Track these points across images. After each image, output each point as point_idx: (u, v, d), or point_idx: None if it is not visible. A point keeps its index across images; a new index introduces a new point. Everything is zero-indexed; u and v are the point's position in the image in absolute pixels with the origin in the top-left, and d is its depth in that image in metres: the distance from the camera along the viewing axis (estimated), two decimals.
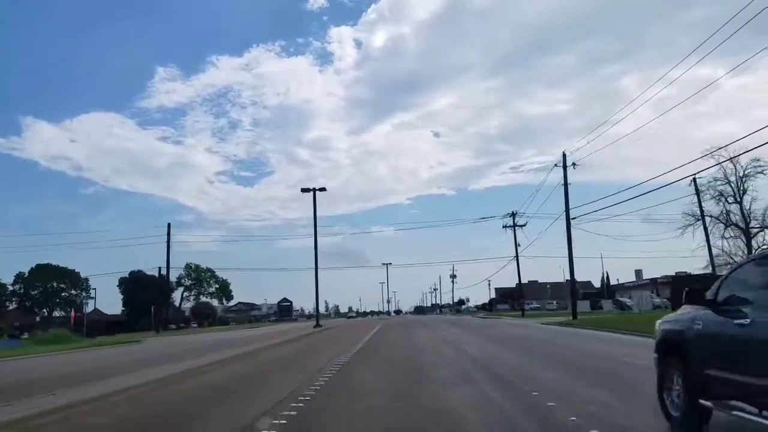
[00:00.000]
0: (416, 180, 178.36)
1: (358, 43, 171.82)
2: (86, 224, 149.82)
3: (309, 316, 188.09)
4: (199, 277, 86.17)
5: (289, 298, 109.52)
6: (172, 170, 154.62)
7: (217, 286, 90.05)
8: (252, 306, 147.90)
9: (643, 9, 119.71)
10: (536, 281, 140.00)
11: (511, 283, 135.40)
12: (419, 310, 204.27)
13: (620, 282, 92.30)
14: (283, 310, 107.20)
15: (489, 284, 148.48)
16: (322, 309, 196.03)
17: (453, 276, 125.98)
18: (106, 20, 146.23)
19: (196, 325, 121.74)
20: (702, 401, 4.56)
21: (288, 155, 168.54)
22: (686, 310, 5.20)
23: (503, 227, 57.51)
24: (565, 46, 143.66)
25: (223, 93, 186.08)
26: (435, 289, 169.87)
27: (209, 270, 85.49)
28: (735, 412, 4.20)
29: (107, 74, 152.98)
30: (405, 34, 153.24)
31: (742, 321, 4.15)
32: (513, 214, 56.93)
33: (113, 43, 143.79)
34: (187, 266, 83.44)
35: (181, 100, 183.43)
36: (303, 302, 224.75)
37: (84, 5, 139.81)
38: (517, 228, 56.65)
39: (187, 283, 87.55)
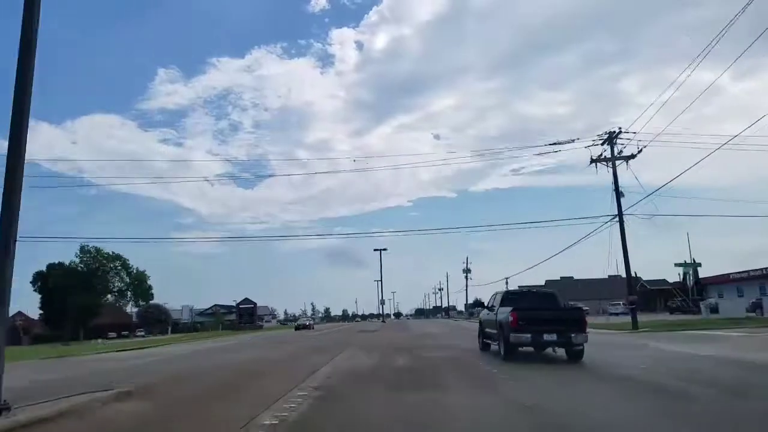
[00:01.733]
0: (417, 182, 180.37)
1: (360, 45, 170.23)
2: (87, 226, 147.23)
3: (293, 320, 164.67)
4: (102, 266, 59.12)
5: (253, 299, 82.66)
6: (172, 172, 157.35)
7: (128, 280, 62.78)
8: (231, 309, 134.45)
9: (643, 9, 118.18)
10: (570, 277, 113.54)
11: (535, 281, 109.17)
12: (420, 313, 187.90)
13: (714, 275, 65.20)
14: (244, 315, 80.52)
15: (506, 283, 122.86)
16: (306, 311, 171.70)
17: (467, 270, 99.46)
18: (106, 22, 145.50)
19: (143, 334, 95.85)
20: (485, 340, 16.97)
21: (288, 157, 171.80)
22: (483, 310, 19.51)
23: (591, 162, 30.81)
24: (564, 47, 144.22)
25: (224, 95, 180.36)
26: (441, 289, 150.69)
27: (117, 257, 58.42)
28: (490, 342, 16.44)
29: (108, 76, 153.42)
30: (406, 36, 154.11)
31: (489, 312, 16.59)
32: (611, 137, 30.28)
33: (114, 45, 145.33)
34: (84, 250, 56.55)
35: (182, 102, 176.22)
36: (288, 305, 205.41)
37: (84, 7, 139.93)
38: (616, 160, 30.02)
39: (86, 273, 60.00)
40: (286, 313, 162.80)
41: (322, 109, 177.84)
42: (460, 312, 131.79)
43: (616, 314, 62.42)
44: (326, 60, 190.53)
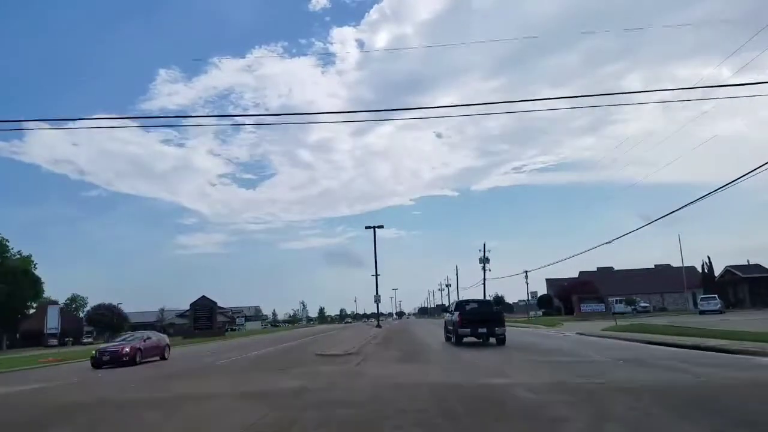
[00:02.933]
0: (418, 181, 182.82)
1: (361, 44, 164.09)
2: (89, 228, 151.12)
3: (289, 321, 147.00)
4: None
5: (211, 297, 64.16)
6: (174, 173, 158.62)
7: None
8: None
9: (646, 6, 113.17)
10: (610, 268, 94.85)
11: (568, 273, 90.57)
12: (423, 312, 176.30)
13: None
14: (202, 316, 62.13)
15: (526, 276, 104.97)
16: (297, 312, 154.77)
17: (485, 260, 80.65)
18: (107, 23, 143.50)
19: (90, 341, 78.59)
20: (447, 334, 24.66)
21: (290, 157, 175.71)
22: (446, 313, 28.28)
23: None
24: (567, 46, 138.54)
25: (225, 95, 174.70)
26: (448, 285, 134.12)
27: None
28: (451, 336, 23.32)
29: (109, 76, 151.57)
30: (407, 35, 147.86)
31: (449, 315, 25.21)
32: None
33: (115, 46, 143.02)
34: None
35: (183, 102, 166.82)
36: (277, 305, 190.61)
37: (85, 8, 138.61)
38: None
39: None
40: (274, 313, 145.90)
41: (324, 108, 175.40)
42: None
43: (710, 312, 43.93)
44: (327, 59, 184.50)
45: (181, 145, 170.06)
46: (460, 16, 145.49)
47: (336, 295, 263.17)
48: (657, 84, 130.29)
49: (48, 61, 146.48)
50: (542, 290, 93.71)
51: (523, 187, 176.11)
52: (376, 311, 59.86)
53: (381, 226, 50.24)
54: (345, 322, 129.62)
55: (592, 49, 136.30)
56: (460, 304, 23.84)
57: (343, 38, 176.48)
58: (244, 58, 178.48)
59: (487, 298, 69.86)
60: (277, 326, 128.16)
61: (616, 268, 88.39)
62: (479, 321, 21.28)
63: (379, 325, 51.70)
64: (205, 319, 62.58)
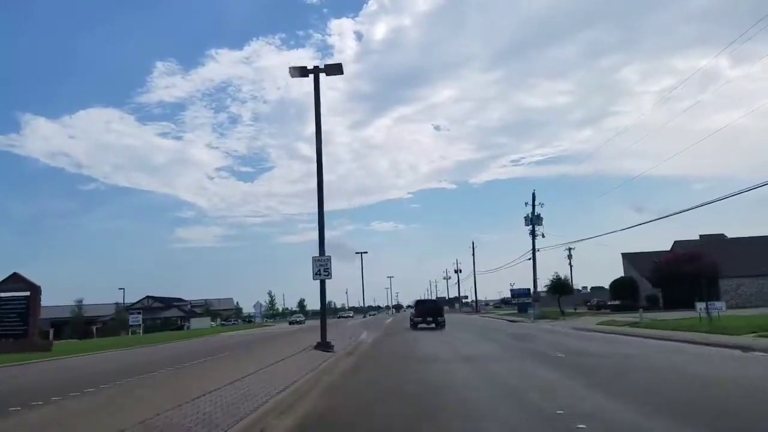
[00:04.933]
0: (417, 174, 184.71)
1: (359, 36, 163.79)
2: (86, 221, 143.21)
3: (242, 319, 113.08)
4: None
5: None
6: (172, 166, 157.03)
7: None
8: (170, 303, 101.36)
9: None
10: (722, 236, 64.28)
11: (656, 246, 58.57)
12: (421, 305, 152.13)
13: None
14: (10, 312, 32.26)
15: (570, 256, 77.46)
16: (260, 303, 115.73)
17: (533, 219, 50.03)
18: (104, 15, 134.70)
19: None
20: (411, 321, 37.30)
21: (288, 150, 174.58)
22: (411, 308, 57.76)
23: None
24: (565, 38, 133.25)
25: (222, 87, 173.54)
26: (458, 271, 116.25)
27: None
28: (412, 323, 36.71)
29: (106, 69, 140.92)
30: (406, 26, 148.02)
31: (411, 309, 49.32)
32: None
33: (112, 38, 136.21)
34: None
35: (181, 95, 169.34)
36: (247, 296, 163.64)
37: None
38: None
39: None
40: (237, 305, 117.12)
41: (322, 101, 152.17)
42: (498, 305, 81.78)
43: None
44: (325, 51, 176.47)
45: (178, 138, 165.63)
46: (459, 7, 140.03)
47: (331, 288, 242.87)
48: (655, 74, 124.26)
49: (44, 53, 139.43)
50: (618, 270, 64.12)
51: (521, 179, 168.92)
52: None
53: (339, 70, 19.69)
54: (291, 322, 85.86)
55: (591, 41, 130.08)
56: (417, 302, 40.13)
57: (342, 30, 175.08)
58: (241, 50, 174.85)
59: (524, 284, 52.55)
60: (250, 322, 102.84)
61: (729, 235, 57.90)
62: (428, 311, 35.36)
63: (325, 342, 19.23)
64: (14, 316, 32.51)
